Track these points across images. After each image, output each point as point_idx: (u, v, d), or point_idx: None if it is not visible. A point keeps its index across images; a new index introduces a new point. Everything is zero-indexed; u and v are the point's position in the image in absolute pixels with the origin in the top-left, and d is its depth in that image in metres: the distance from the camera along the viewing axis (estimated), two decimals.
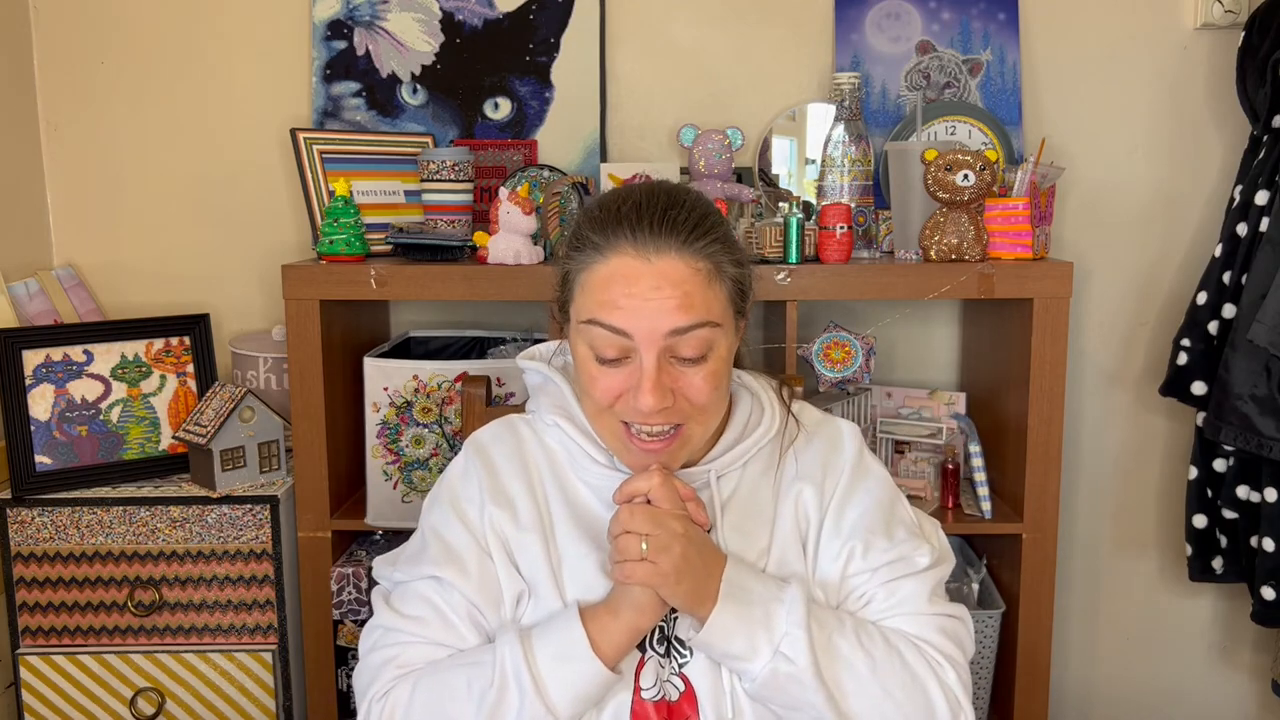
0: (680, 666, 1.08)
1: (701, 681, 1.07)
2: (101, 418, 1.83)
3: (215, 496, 1.74)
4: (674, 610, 1.08)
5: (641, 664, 1.08)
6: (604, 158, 2.03)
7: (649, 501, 1.06)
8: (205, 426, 1.75)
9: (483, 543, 1.12)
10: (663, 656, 1.09)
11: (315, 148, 1.88)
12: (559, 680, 1.01)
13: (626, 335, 1.02)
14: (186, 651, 1.76)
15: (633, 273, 1.02)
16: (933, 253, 1.70)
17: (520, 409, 1.39)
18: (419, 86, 2.03)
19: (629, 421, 1.06)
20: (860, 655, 1.04)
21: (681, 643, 1.09)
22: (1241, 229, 1.82)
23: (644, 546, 1.01)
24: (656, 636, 1.09)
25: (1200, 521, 1.93)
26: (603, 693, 1.04)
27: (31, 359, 1.79)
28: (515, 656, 1.02)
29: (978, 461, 1.77)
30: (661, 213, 1.04)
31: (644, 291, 1.01)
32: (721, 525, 1.12)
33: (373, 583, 1.78)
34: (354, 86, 2.03)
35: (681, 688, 1.08)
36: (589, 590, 1.10)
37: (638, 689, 1.07)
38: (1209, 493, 1.91)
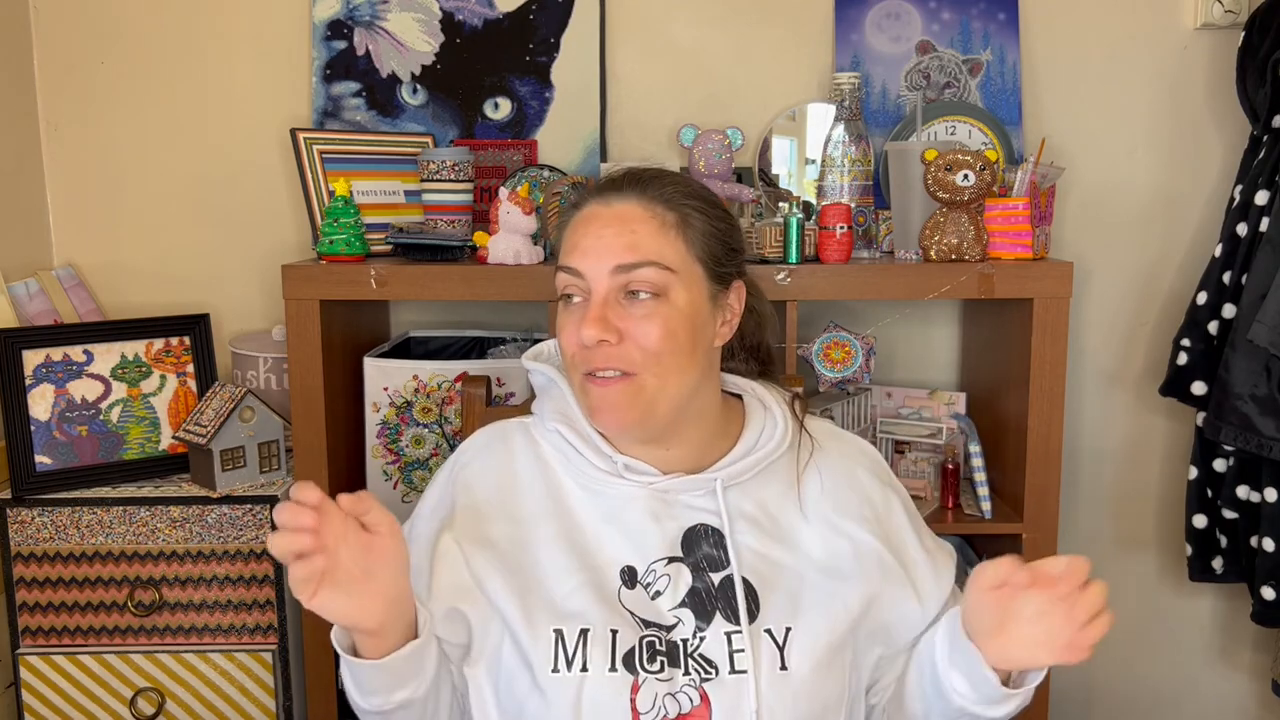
0: (702, 681, 1.06)
1: (723, 698, 1.06)
2: (101, 418, 1.83)
3: (215, 496, 1.74)
4: (700, 629, 1.08)
5: (636, 687, 1.06)
6: (604, 158, 2.03)
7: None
8: (205, 426, 1.76)
9: (443, 558, 1.13)
10: (661, 672, 1.06)
11: (315, 148, 1.88)
12: (350, 675, 1.02)
13: (579, 274, 1.09)
14: (186, 651, 1.76)
15: (594, 215, 1.10)
16: (933, 253, 1.70)
17: (520, 409, 1.39)
18: (419, 86, 2.04)
19: (587, 370, 1.09)
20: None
21: (708, 660, 1.07)
22: (1241, 229, 1.82)
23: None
24: (647, 655, 1.07)
25: (1200, 521, 1.93)
26: (394, 678, 1.01)
27: (31, 359, 1.79)
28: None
29: (978, 461, 1.77)
30: (630, 172, 1.14)
31: (596, 230, 1.09)
32: (733, 540, 1.11)
33: None
34: (354, 86, 2.03)
35: (696, 702, 1.06)
36: (572, 607, 1.08)
37: (635, 713, 1.05)
38: (1209, 493, 1.91)
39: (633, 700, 1.05)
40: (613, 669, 1.06)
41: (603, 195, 1.12)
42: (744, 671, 1.06)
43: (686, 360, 1.09)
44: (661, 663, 1.07)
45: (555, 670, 1.06)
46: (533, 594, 1.09)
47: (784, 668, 1.07)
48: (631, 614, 1.08)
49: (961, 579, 1.90)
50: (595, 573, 1.10)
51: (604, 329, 1.06)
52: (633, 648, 1.07)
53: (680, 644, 1.08)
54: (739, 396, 1.21)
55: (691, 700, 1.06)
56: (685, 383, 1.10)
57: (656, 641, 1.08)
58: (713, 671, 1.06)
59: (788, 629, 1.09)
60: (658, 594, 1.09)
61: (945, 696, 1.08)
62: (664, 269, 1.07)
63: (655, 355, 1.07)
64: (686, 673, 1.07)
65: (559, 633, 1.07)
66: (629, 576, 1.10)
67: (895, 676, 1.18)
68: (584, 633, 1.07)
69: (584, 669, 1.06)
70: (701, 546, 1.11)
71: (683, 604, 1.09)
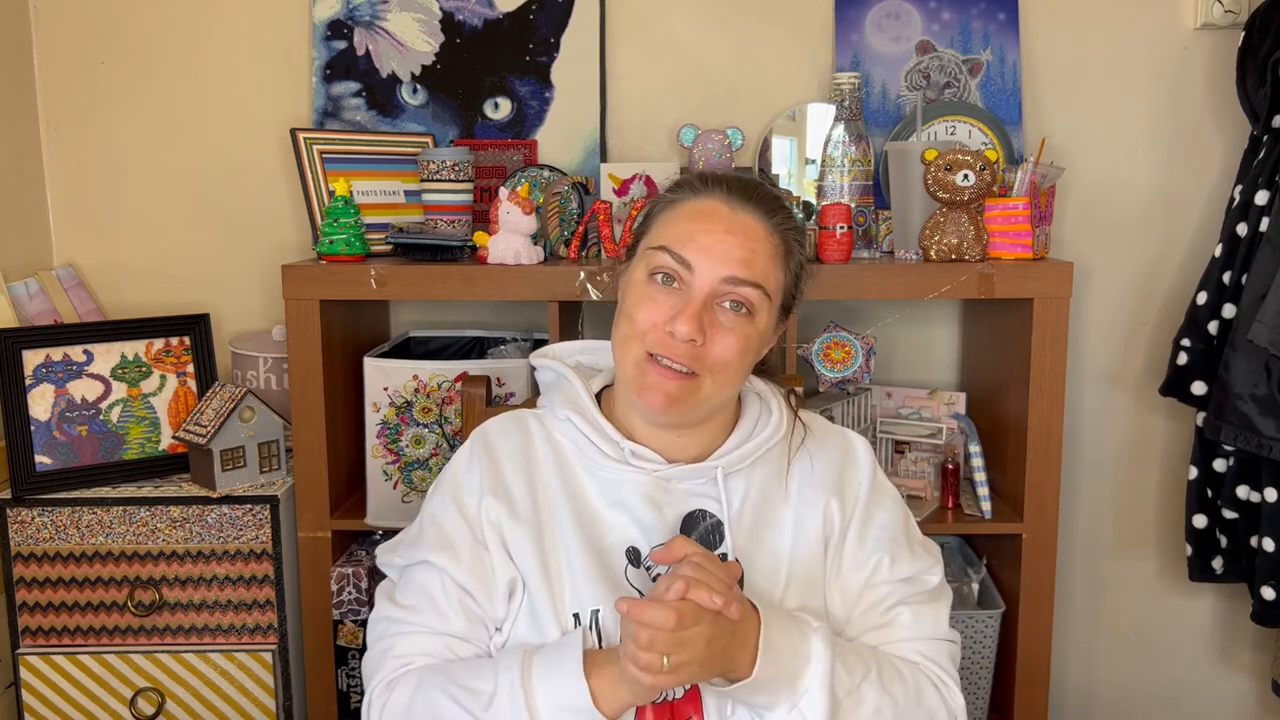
0: None
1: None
2: (101, 418, 1.83)
3: (215, 496, 1.74)
4: None
5: None
6: (604, 158, 2.03)
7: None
8: (205, 426, 1.75)
9: (478, 532, 1.14)
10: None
11: (315, 148, 1.88)
12: None
13: (689, 266, 1.09)
14: (186, 651, 1.76)
15: (717, 213, 1.11)
16: (933, 253, 1.70)
17: (522, 408, 1.40)
18: (419, 86, 2.03)
19: (654, 352, 1.10)
20: (887, 700, 1.10)
21: None
22: (1241, 229, 1.82)
23: (665, 662, 0.99)
24: None
25: (1200, 521, 1.93)
26: None
27: (31, 359, 1.79)
28: (518, 700, 1.02)
29: (978, 461, 1.77)
30: (755, 184, 1.16)
31: (719, 231, 1.10)
32: (731, 526, 1.14)
33: (373, 581, 1.79)
34: (354, 86, 2.03)
35: (687, 686, 1.09)
36: (584, 589, 1.11)
37: None
38: (1209, 493, 1.91)
39: None
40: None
41: (729, 196, 1.12)
42: None
43: (744, 374, 1.15)
44: None
45: None
46: (554, 574, 1.12)
47: None
48: (640, 593, 1.12)
49: (962, 580, 1.91)
50: (603, 554, 1.13)
51: (698, 330, 1.08)
52: None
53: None
54: None
55: (683, 686, 1.08)
56: (731, 391, 1.15)
57: None
58: None
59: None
60: (658, 576, 1.12)
61: None
62: (765, 294, 1.11)
63: (725, 365, 1.10)
64: None
65: (575, 616, 1.10)
66: (634, 556, 1.13)
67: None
68: (595, 613, 1.10)
69: (598, 647, 1.08)
70: (699, 529, 1.15)
71: None
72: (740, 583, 1.12)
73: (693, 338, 1.07)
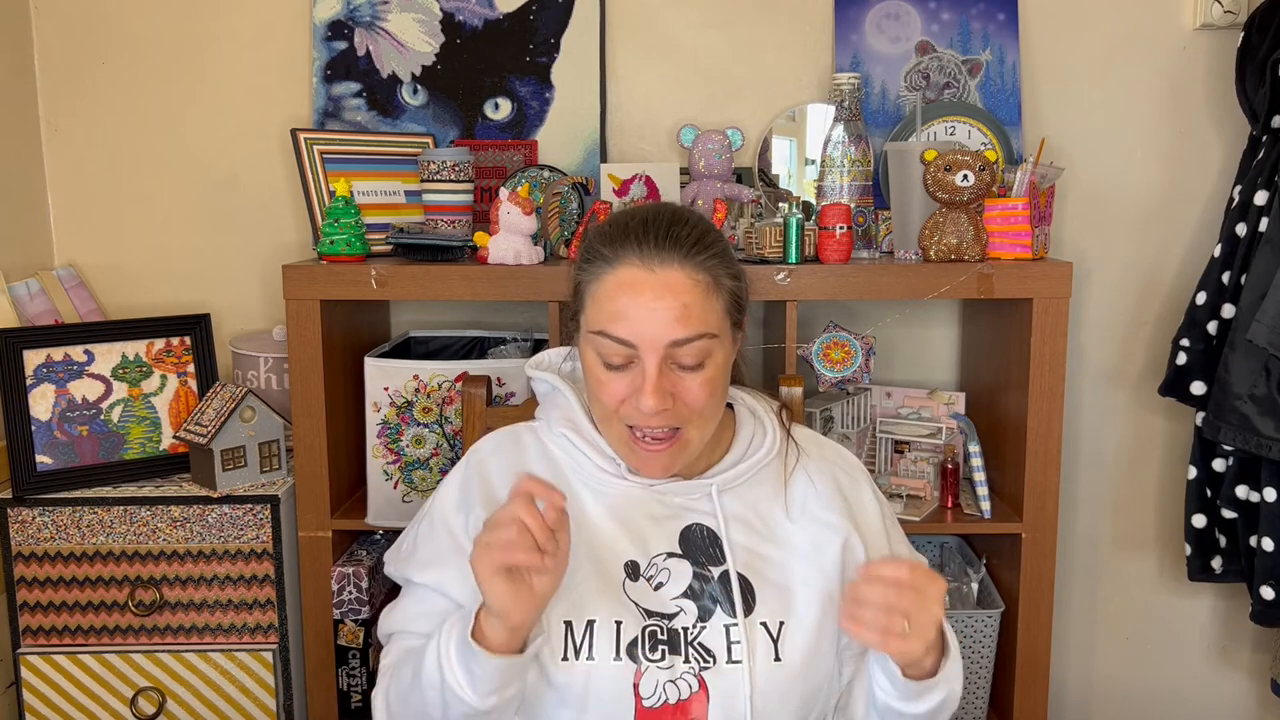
0: (701, 669, 1.10)
1: (719, 683, 1.10)
2: (102, 418, 1.83)
3: (216, 496, 1.74)
4: (701, 620, 1.12)
5: (639, 675, 1.10)
6: (604, 158, 2.03)
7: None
8: (206, 426, 1.76)
9: (465, 544, 1.14)
10: (661, 660, 1.10)
11: (316, 148, 1.88)
12: (465, 670, 1.02)
13: (631, 345, 1.09)
14: (187, 651, 1.76)
15: (638, 282, 1.09)
16: (932, 253, 1.70)
17: (520, 409, 1.41)
18: (419, 87, 2.04)
19: (633, 425, 1.12)
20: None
21: (707, 649, 1.11)
22: (1241, 229, 1.82)
23: (907, 627, 1.00)
24: (649, 645, 1.10)
25: (1199, 521, 1.93)
26: (511, 675, 1.03)
27: (32, 359, 1.79)
28: (433, 647, 1.05)
29: (977, 461, 1.77)
30: (666, 228, 1.11)
31: (647, 301, 1.08)
32: (730, 542, 1.15)
33: (373, 581, 1.80)
34: (354, 87, 2.04)
35: (694, 689, 1.10)
36: (586, 599, 1.11)
37: (639, 699, 1.09)
38: (1208, 492, 1.91)
39: (635, 686, 1.09)
40: (617, 658, 1.10)
41: (642, 256, 1.09)
42: (739, 662, 1.11)
43: (721, 404, 1.16)
44: (663, 651, 1.11)
45: (565, 659, 1.10)
46: None
47: (778, 659, 1.12)
48: (635, 604, 1.12)
49: (961, 579, 1.91)
50: (601, 565, 1.13)
51: (663, 399, 1.08)
52: (636, 637, 1.11)
53: (681, 632, 1.12)
54: (729, 405, 1.26)
55: (690, 687, 1.10)
56: (717, 420, 1.16)
57: (658, 630, 1.11)
58: (711, 660, 1.11)
59: (781, 622, 1.13)
60: (660, 585, 1.14)
61: (872, 692, 1.12)
62: (712, 337, 1.11)
63: (701, 411, 1.12)
64: (686, 660, 1.11)
65: (568, 624, 1.11)
66: (632, 570, 1.14)
67: (849, 677, 1.20)
68: (590, 624, 1.11)
69: (590, 658, 1.09)
70: (698, 544, 1.16)
71: (685, 595, 1.13)
72: (752, 599, 1.14)
73: (661, 408, 1.08)
